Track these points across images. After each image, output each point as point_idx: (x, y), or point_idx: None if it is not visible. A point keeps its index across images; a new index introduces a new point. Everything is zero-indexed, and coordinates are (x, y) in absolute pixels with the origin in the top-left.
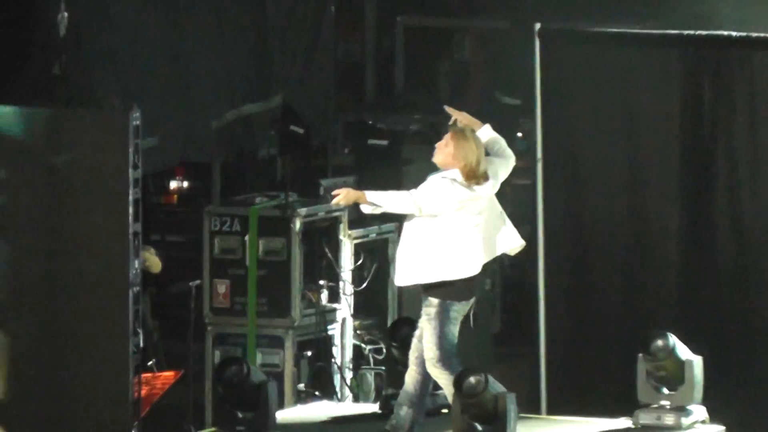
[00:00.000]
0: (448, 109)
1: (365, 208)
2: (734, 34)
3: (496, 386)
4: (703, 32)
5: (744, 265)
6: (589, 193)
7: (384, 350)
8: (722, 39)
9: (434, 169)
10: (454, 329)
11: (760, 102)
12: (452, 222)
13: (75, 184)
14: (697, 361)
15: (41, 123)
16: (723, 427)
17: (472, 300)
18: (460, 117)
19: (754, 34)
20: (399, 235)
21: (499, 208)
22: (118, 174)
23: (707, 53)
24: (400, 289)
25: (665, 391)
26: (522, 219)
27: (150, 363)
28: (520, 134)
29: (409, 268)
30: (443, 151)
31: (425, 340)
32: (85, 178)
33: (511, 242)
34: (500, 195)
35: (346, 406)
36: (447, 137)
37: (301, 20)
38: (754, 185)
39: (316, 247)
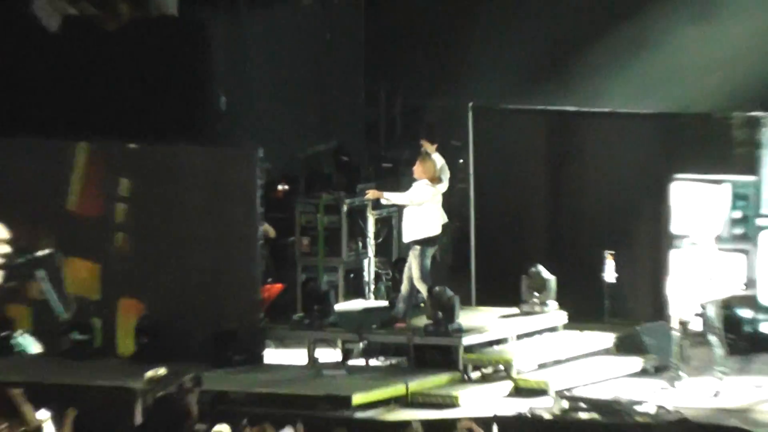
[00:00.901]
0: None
1: (384, 202)
2: (581, 109)
3: (449, 292)
4: (568, 107)
5: (573, 226)
6: (501, 192)
7: (390, 274)
8: (573, 112)
9: (414, 180)
10: (428, 262)
11: (588, 149)
12: (427, 207)
13: (227, 189)
14: (552, 279)
15: (207, 158)
16: (566, 312)
17: (436, 246)
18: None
19: (588, 110)
20: (399, 214)
21: (441, 199)
22: (249, 182)
23: (568, 120)
24: (400, 242)
25: (536, 294)
26: (461, 206)
27: (268, 280)
28: (461, 160)
29: (409, 232)
30: (418, 169)
31: (413, 268)
32: (233, 186)
33: (444, 218)
34: (450, 192)
35: (371, 303)
36: (418, 161)
37: (348, 97)
38: (579, 188)
39: (355, 220)
